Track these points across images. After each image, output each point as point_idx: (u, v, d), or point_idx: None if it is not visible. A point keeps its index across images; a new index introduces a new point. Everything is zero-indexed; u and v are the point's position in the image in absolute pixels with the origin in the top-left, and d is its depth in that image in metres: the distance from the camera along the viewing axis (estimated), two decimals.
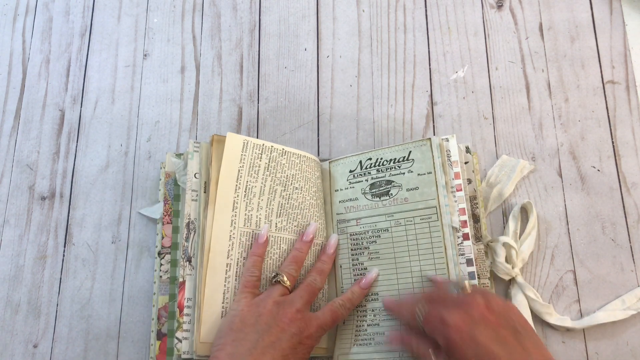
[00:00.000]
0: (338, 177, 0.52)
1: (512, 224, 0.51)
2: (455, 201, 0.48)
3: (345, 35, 0.60)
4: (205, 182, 0.48)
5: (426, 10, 0.61)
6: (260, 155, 0.49)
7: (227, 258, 0.46)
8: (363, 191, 0.51)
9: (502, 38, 0.59)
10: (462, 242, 0.47)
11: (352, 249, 0.50)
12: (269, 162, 0.49)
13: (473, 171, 0.51)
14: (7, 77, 0.62)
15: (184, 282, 0.46)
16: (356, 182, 0.51)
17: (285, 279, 0.45)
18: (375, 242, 0.49)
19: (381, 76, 0.59)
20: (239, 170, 0.48)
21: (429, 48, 0.59)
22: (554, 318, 0.48)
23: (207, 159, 0.48)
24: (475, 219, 0.50)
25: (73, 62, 0.62)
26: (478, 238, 0.49)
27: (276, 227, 0.48)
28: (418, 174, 0.49)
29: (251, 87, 0.59)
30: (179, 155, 0.54)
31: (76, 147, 0.59)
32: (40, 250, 0.55)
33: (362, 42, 0.60)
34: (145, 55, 0.62)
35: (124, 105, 0.60)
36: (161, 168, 0.54)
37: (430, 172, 0.49)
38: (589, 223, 0.52)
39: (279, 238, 0.48)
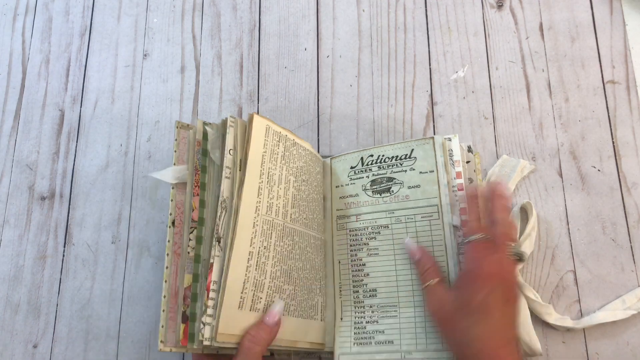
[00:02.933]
0: (339, 173, 0.52)
1: None
2: (457, 200, 0.48)
3: (345, 35, 0.60)
4: (240, 159, 0.45)
5: (426, 10, 0.61)
6: (278, 142, 0.48)
7: (250, 246, 0.44)
8: (364, 187, 0.51)
9: (503, 38, 0.59)
10: (463, 241, 0.47)
11: (351, 245, 0.50)
12: (285, 150, 0.48)
13: (475, 171, 0.51)
14: (7, 77, 0.62)
15: (212, 264, 0.43)
16: (357, 179, 0.51)
17: None
18: (374, 238, 0.50)
19: (381, 76, 0.59)
20: (262, 155, 0.46)
21: (429, 48, 0.59)
22: (553, 318, 0.48)
23: (243, 136, 0.46)
24: None
25: (73, 62, 0.62)
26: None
27: (291, 218, 0.47)
28: (420, 172, 0.49)
29: (251, 87, 0.59)
30: (208, 125, 0.49)
31: (76, 147, 0.59)
32: (40, 250, 0.55)
33: (362, 42, 0.60)
34: (145, 55, 0.62)
35: (124, 105, 0.60)
36: (176, 127, 0.50)
37: (433, 171, 0.49)
38: (589, 223, 0.52)
39: (292, 230, 0.47)
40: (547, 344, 0.48)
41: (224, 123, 0.46)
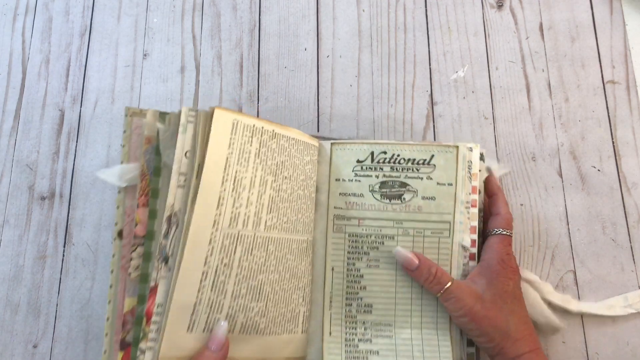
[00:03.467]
0: (341, 164, 0.46)
1: None
2: (469, 218, 0.45)
3: (345, 35, 0.60)
4: (199, 164, 0.38)
5: (426, 10, 0.61)
6: (250, 139, 0.40)
7: (205, 265, 0.38)
8: (371, 188, 0.45)
9: (503, 38, 0.59)
10: (467, 262, 0.44)
11: (349, 252, 0.45)
12: (260, 147, 0.41)
13: (484, 181, 0.48)
14: (7, 77, 0.62)
15: (156, 286, 0.38)
16: (364, 176, 0.45)
17: None
18: (377, 248, 0.45)
19: (381, 76, 0.59)
20: (227, 158, 0.39)
21: (429, 48, 0.59)
22: (555, 297, 0.48)
23: (204, 136, 0.39)
24: (479, 234, 0.46)
25: (73, 62, 0.62)
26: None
27: (265, 225, 0.41)
28: (437, 183, 0.45)
29: (251, 87, 0.59)
30: (163, 117, 0.41)
31: (76, 147, 0.59)
32: (40, 251, 0.55)
33: (362, 42, 0.60)
34: (145, 55, 0.62)
35: (124, 105, 0.60)
36: (126, 115, 0.43)
37: (452, 184, 0.44)
38: (589, 223, 0.52)
39: (267, 239, 0.41)
40: (547, 344, 0.48)
41: (178, 117, 0.39)
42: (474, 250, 0.44)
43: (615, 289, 0.50)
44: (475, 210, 0.45)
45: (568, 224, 0.52)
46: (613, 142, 0.54)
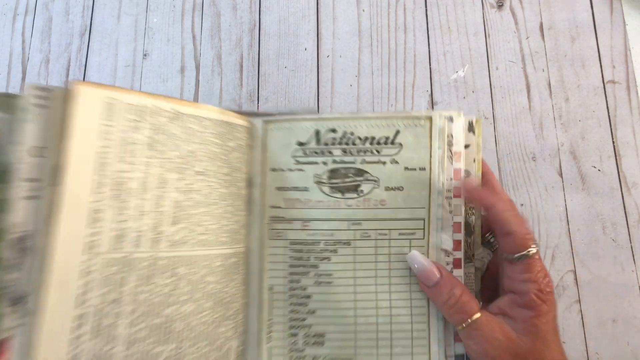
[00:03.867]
0: (278, 149, 0.35)
1: None
2: (451, 212, 0.34)
3: (345, 35, 0.60)
4: (56, 166, 0.27)
5: (426, 10, 0.60)
6: (137, 123, 0.30)
7: (79, 306, 0.28)
8: (318, 179, 0.34)
9: (503, 38, 0.59)
10: (451, 270, 0.34)
11: (291, 265, 0.34)
12: (154, 133, 0.31)
13: (474, 160, 0.35)
14: (7, 77, 0.62)
15: (9, 339, 0.27)
16: (308, 163, 0.34)
17: None
18: (328, 259, 0.34)
19: (381, 76, 0.59)
20: (100, 153, 0.29)
21: (429, 48, 0.59)
22: None
23: (62, 124, 0.28)
24: (468, 230, 0.36)
25: (73, 62, 0.62)
26: (469, 257, 0.35)
27: (170, 242, 0.31)
28: (406, 168, 0.34)
29: (251, 86, 0.59)
30: (4, 101, 0.29)
31: None
32: None
33: (362, 41, 0.60)
34: (145, 55, 0.62)
35: None
36: None
37: (425, 168, 0.34)
38: (589, 223, 0.52)
39: (174, 260, 0.31)
40: None
41: (22, 100, 0.27)
42: (459, 254, 0.34)
43: (615, 289, 0.50)
44: (459, 202, 0.34)
45: (568, 224, 0.52)
46: (613, 142, 0.54)
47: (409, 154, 0.34)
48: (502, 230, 0.32)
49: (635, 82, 0.56)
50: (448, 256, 0.34)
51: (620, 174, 0.53)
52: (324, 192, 0.34)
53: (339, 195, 0.34)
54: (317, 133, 0.35)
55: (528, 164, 0.54)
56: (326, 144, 0.35)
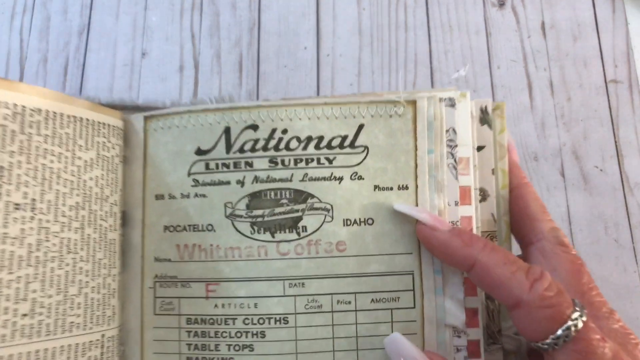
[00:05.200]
0: (165, 162, 0.22)
1: None
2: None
3: (346, 34, 0.60)
4: None
5: (427, 9, 0.60)
6: None
7: None
8: (231, 210, 0.21)
9: (504, 37, 0.58)
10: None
11: (189, 358, 0.21)
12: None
13: (493, 171, 0.23)
14: (4, 77, 0.62)
15: None
16: (213, 184, 0.21)
17: None
18: (251, 348, 0.20)
19: (382, 75, 0.58)
20: None
21: (430, 47, 0.59)
22: None
23: None
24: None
25: (71, 61, 0.62)
26: (493, 336, 0.22)
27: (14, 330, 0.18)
28: (376, 187, 0.21)
29: (250, 86, 0.59)
30: None
31: None
32: None
33: (362, 40, 0.60)
34: (144, 54, 0.61)
35: None
36: None
37: (407, 187, 0.21)
38: (591, 223, 0.51)
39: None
40: None
41: None
42: (476, 333, 0.21)
43: (618, 290, 0.49)
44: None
45: (570, 224, 0.52)
46: (615, 142, 0.54)
47: (381, 164, 0.21)
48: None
49: (638, 81, 0.55)
50: (458, 337, 0.20)
51: (623, 174, 0.53)
52: (241, 233, 0.21)
53: (266, 236, 0.21)
54: (227, 132, 0.21)
55: (530, 164, 0.53)
56: (243, 151, 0.21)
